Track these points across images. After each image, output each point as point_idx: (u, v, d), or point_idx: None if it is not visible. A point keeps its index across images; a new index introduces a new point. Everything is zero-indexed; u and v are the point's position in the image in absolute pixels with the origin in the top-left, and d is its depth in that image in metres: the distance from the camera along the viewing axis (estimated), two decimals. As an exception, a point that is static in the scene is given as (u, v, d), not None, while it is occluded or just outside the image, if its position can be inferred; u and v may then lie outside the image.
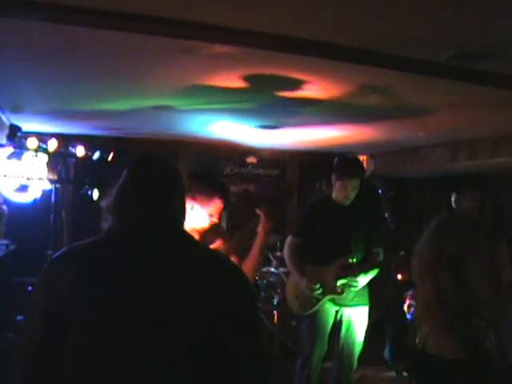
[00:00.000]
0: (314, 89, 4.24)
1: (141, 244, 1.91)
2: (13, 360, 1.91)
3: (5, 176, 5.81)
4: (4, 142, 5.83)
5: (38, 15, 2.72)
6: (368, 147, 7.78)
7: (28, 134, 6.04)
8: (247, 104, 4.95)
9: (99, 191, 6.09)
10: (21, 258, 6.11)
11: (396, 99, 4.60)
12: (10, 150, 5.81)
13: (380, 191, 4.42)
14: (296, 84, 4.11)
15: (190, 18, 2.85)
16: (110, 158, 6.34)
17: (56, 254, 1.99)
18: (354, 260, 4.76)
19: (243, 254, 3.63)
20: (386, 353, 6.53)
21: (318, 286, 4.76)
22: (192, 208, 3.28)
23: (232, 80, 4.03)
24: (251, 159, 8.41)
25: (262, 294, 6.80)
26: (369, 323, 4.98)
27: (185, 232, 2.07)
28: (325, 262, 4.79)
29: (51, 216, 6.38)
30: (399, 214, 4.47)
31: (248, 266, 3.52)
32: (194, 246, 2.06)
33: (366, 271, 4.80)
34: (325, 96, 4.47)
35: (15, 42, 3.25)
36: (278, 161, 8.65)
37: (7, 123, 6.02)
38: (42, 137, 6.10)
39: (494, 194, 7.39)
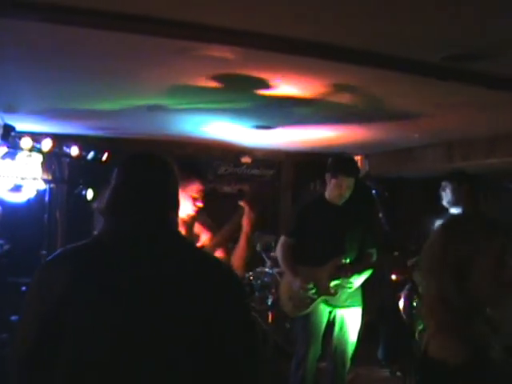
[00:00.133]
0: (308, 89, 4.26)
1: (134, 246, 1.91)
2: (8, 360, 1.91)
3: (-1, 176, 5.80)
4: (-2, 141, 5.82)
5: (37, 16, 2.72)
6: (362, 147, 7.79)
7: (22, 134, 6.02)
8: (240, 104, 4.95)
9: (93, 191, 6.07)
10: (15, 258, 6.10)
11: (389, 100, 4.62)
12: (3, 149, 5.79)
13: (374, 192, 4.42)
14: (285, 84, 4.13)
15: (188, 18, 2.86)
16: (104, 158, 6.33)
17: (50, 256, 1.99)
18: (348, 260, 4.76)
19: (231, 246, 3.64)
20: (380, 353, 6.54)
21: (311, 286, 4.75)
22: None
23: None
24: (246, 159, 8.40)
25: (257, 294, 6.80)
26: (363, 323, 4.97)
27: (178, 233, 2.07)
28: (319, 262, 4.77)
29: (45, 216, 6.37)
30: (393, 215, 4.46)
31: (236, 258, 3.56)
32: (186, 247, 2.07)
33: (359, 272, 4.80)
34: (317, 96, 4.48)
35: (12, 42, 3.25)
36: (272, 161, 8.64)
37: (1, 123, 5.99)
38: (37, 137, 6.08)
39: (488, 195, 7.40)
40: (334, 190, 4.83)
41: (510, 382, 1.90)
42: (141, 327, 1.81)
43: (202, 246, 3.52)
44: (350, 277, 4.76)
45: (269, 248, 7.08)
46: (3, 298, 5.58)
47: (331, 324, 4.93)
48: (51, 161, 6.51)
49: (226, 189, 8.10)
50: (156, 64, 3.71)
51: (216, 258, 2.24)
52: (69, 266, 1.87)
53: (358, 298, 4.95)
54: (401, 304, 5.10)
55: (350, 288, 4.80)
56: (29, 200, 6.21)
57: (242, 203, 3.58)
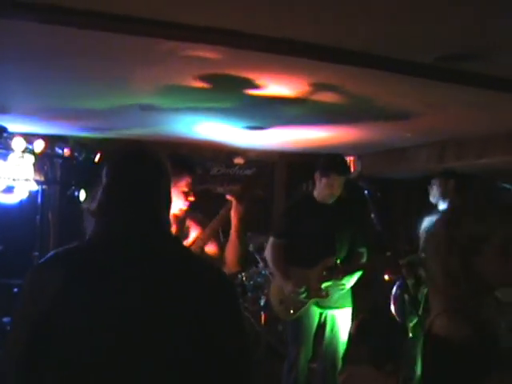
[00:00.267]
0: (297, 88, 4.27)
1: (127, 247, 1.90)
2: (1, 361, 1.90)
3: (-9, 177, 5.79)
4: (-10, 143, 5.81)
5: (30, 16, 2.72)
6: (355, 148, 7.80)
7: (14, 135, 6.01)
8: (229, 103, 4.94)
9: (86, 192, 6.06)
10: (7, 260, 6.08)
11: (381, 100, 4.62)
12: (-5, 151, 5.79)
13: (366, 192, 4.42)
14: (276, 84, 4.14)
15: (177, 19, 2.86)
16: (96, 159, 6.32)
17: (42, 259, 1.98)
18: (339, 261, 4.73)
19: (224, 241, 3.63)
20: (373, 352, 6.56)
21: (303, 290, 4.70)
22: None
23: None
24: (238, 160, 8.40)
25: (249, 294, 6.80)
26: (353, 323, 4.96)
27: (170, 233, 2.07)
28: (309, 263, 4.72)
29: (37, 217, 6.36)
30: (386, 215, 4.46)
31: (229, 254, 3.53)
32: (179, 248, 2.06)
33: (351, 273, 4.78)
34: (307, 96, 4.49)
35: (5, 42, 3.25)
36: (265, 162, 8.64)
37: (-7, 124, 6.00)
38: (29, 138, 6.07)
39: (481, 195, 7.42)
40: (325, 189, 4.78)
41: None
42: (136, 328, 1.80)
43: (194, 241, 3.52)
44: (341, 279, 4.73)
45: (262, 248, 7.06)
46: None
47: (322, 325, 4.90)
48: (43, 162, 6.49)
49: (219, 189, 8.08)
50: (147, 64, 3.71)
51: (207, 260, 2.25)
52: (61, 268, 1.86)
53: (348, 299, 4.92)
54: (392, 303, 5.09)
55: (342, 290, 4.79)
56: (21, 201, 6.20)
57: (229, 197, 3.56)
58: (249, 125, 6.05)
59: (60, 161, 6.72)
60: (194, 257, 2.14)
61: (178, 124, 6.13)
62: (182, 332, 1.83)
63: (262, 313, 6.52)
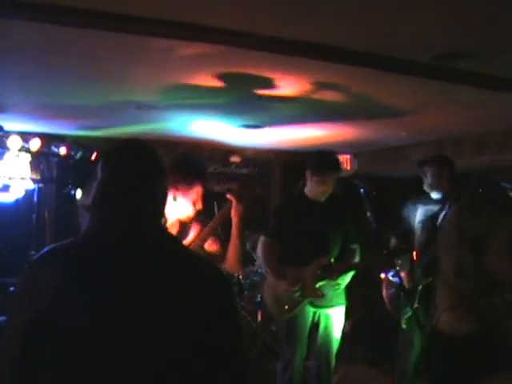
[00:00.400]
0: (294, 87, 4.28)
1: (123, 243, 1.89)
2: None
3: (-13, 176, 5.78)
4: (-15, 141, 5.80)
5: (25, 15, 2.72)
6: (351, 146, 7.80)
7: (10, 134, 6.00)
8: (221, 99, 4.93)
9: (82, 191, 6.05)
10: (3, 258, 6.07)
11: (377, 99, 4.63)
12: (-9, 149, 5.79)
13: (362, 190, 4.41)
14: (271, 82, 4.14)
15: (171, 18, 2.87)
16: (93, 158, 6.31)
17: (36, 255, 1.97)
18: (333, 260, 4.69)
19: (225, 240, 3.63)
20: (369, 351, 6.57)
21: (297, 288, 4.66)
22: (175, 199, 3.32)
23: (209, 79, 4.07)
24: (235, 158, 8.40)
25: (246, 293, 6.80)
26: (348, 322, 4.95)
27: (165, 229, 2.06)
28: (303, 262, 4.67)
29: (34, 216, 6.35)
30: (382, 214, 4.45)
31: (230, 252, 3.54)
32: (175, 245, 2.05)
33: (345, 272, 4.75)
34: (303, 94, 4.50)
35: (1, 41, 3.25)
36: (262, 160, 8.64)
37: (-11, 122, 5.99)
38: (25, 136, 6.06)
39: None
40: (317, 187, 4.72)
41: None
42: (135, 326, 1.80)
43: (193, 239, 3.52)
44: (336, 278, 4.71)
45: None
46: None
47: (316, 324, 4.86)
48: (39, 160, 6.48)
49: (216, 188, 8.09)
50: (144, 62, 3.71)
51: (204, 257, 2.24)
52: (57, 265, 1.84)
53: (342, 297, 4.89)
54: (387, 301, 5.10)
55: (337, 289, 4.77)
56: (17, 200, 6.18)
57: (229, 196, 3.56)
58: (245, 123, 6.05)
59: (56, 159, 6.71)
60: (191, 254, 2.14)
61: (174, 122, 6.14)
62: (181, 331, 1.82)
63: (259, 311, 6.52)
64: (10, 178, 5.92)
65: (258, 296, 6.57)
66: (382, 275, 5.26)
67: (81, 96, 4.94)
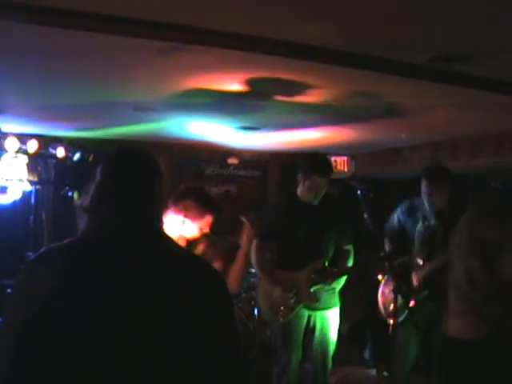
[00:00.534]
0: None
1: (120, 244, 1.90)
2: None
3: (-16, 177, 5.78)
4: (-17, 143, 5.80)
5: (17, 17, 2.72)
6: (349, 148, 7.81)
7: (7, 135, 6.00)
8: (219, 101, 4.91)
9: (80, 193, 6.05)
10: (0, 260, 6.06)
11: (377, 101, 4.63)
12: (-11, 151, 5.78)
13: (359, 192, 4.40)
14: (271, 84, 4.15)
15: (177, 21, 2.87)
16: (90, 159, 6.30)
17: (33, 256, 1.97)
18: (327, 263, 4.66)
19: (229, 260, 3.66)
20: (367, 353, 6.57)
21: (292, 294, 4.62)
22: (183, 222, 3.37)
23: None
24: (233, 160, 8.40)
25: (243, 294, 6.80)
26: (343, 324, 4.93)
27: (163, 230, 2.07)
28: (297, 266, 4.63)
29: (31, 217, 6.35)
30: (379, 216, 4.45)
31: (234, 273, 3.57)
32: (172, 245, 2.05)
33: (340, 276, 4.74)
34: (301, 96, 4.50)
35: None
36: (259, 162, 8.64)
37: (-14, 124, 5.98)
38: (22, 138, 6.06)
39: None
40: (309, 190, 4.68)
41: None
42: (134, 327, 1.80)
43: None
44: (330, 283, 4.68)
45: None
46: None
47: (311, 327, 4.82)
48: (37, 162, 6.48)
49: (213, 190, 8.08)
50: (139, 64, 3.72)
51: (202, 258, 2.25)
52: (54, 265, 1.84)
53: (336, 298, 4.85)
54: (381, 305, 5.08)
55: (332, 292, 4.75)
56: (14, 201, 6.18)
57: (243, 219, 3.60)
58: (243, 125, 6.05)
59: (54, 161, 6.70)
60: (190, 254, 2.15)
61: (172, 124, 6.13)
62: (181, 331, 1.83)
63: (256, 312, 6.52)
64: (7, 180, 5.92)
65: (255, 297, 6.58)
66: (380, 277, 5.25)
67: (80, 97, 4.94)
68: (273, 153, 8.48)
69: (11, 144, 5.86)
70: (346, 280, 4.84)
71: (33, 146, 6.02)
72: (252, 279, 6.83)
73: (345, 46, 3.24)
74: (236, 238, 3.66)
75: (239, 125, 6.03)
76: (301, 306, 4.71)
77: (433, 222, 4.75)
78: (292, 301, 4.65)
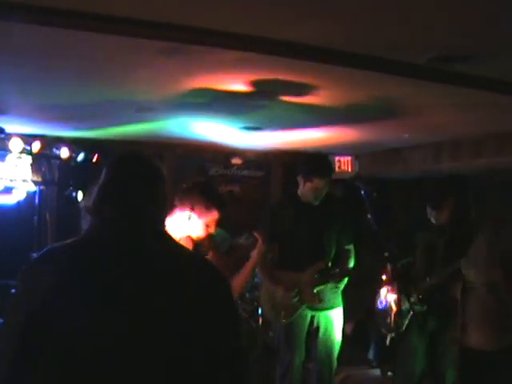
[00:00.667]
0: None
1: (122, 244, 1.91)
2: None
3: (-12, 178, 5.80)
4: (-13, 143, 5.82)
5: (17, 17, 2.73)
6: (352, 148, 7.79)
7: (12, 136, 6.01)
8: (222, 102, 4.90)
9: (83, 193, 6.05)
10: (4, 260, 6.07)
11: (377, 101, 4.63)
12: (-7, 151, 5.80)
13: (363, 192, 4.40)
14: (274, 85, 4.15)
15: (177, 21, 2.88)
16: (94, 160, 6.32)
17: (36, 256, 1.99)
18: (330, 264, 4.67)
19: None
20: (371, 353, 6.56)
21: (294, 293, 4.63)
22: (189, 218, 3.38)
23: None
24: (236, 161, 8.40)
25: (247, 295, 6.80)
26: (347, 324, 4.93)
27: (165, 232, 2.08)
28: (299, 266, 4.65)
29: (35, 218, 6.37)
30: (383, 215, 4.44)
31: (238, 281, 3.63)
32: (174, 246, 2.07)
33: (342, 277, 4.75)
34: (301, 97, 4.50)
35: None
36: (262, 162, 8.64)
37: (-10, 125, 6.00)
38: (26, 138, 6.07)
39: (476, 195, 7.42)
40: (309, 192, 4.70)
41: None
42: (135, 326, 1.81)
43: None
44: (338, 282, 4.70)
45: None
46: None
47: (315, 327, 4.84)
48: (41, 163, 6.51)
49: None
50: (139, 64, 3.72)
51: (205, 258, 2.26)
52: (56, 265, 1.86)
53: (339, 298, 4.87)
54: (384, 303, 5.08)
55: (335, 292, 4.76)
56: (19, 202, 6.20)
57: (257, 235, 3.64)
58: (247, 125, 6.05)
59: (57, 162, 6.72)
60: (191, 254, 2.17)
61: (175, 124, 6.13)
62: (181, 331, 1.83)
63: (259, 312, 6.51)
64: (11, 180, 5.94)
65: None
66: (384, 277, 5.25)
67: (80, 97, 4.93)
68: (276, 153, 8.47)
69: (15, 145, 5.88)
70: (349, 280, 4.84)
71: (37, 146, 6.05)
72: (256, 279, 6.83)
73: (345, 46, 3.23)
74: (245, 243, 3.70)
75: (243, 125, 6.02)
76: (304, 306, 4.71)
77: (434, 236, 4.74)
78: (295, 300, 4.65)
